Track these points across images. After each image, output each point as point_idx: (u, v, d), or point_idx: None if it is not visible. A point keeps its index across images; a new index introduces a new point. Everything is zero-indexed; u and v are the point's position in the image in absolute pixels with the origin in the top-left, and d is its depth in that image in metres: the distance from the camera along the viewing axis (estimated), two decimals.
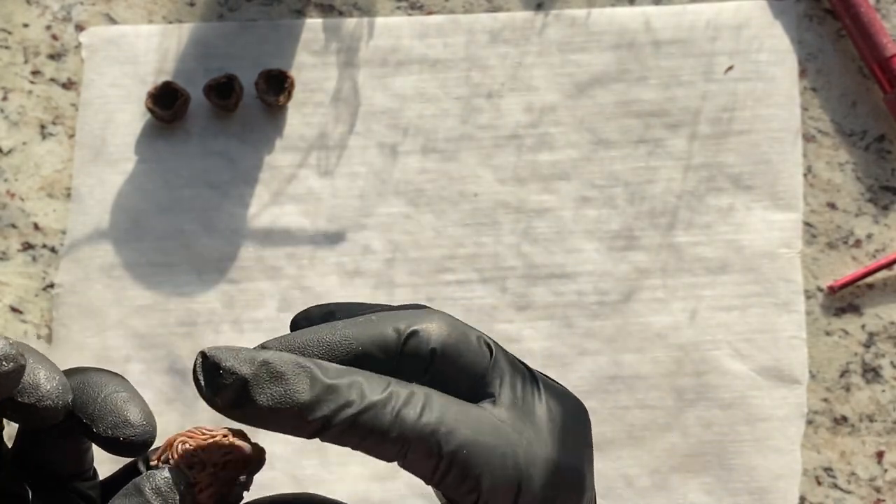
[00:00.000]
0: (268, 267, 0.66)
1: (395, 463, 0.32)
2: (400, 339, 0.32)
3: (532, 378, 0.34)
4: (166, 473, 0.31)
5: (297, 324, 0.35)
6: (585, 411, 0.35)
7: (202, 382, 0.30)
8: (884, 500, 0.62)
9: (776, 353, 0.64)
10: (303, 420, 0.30)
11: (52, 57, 0.70)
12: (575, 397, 0.35)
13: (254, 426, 0.30)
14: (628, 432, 0.63)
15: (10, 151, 0.68)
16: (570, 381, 0.64)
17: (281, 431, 0.30)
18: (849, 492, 0.63)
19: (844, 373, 0.64)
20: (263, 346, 0.32)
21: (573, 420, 0.34)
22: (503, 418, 0.32)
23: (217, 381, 0.30)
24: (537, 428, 0.33)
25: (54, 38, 0.70)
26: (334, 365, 0.31)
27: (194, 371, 0.30)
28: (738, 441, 0.63)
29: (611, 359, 0.64)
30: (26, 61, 0.70)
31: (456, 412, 0.31)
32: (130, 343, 0.65)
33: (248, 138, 0.68)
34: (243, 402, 0.30)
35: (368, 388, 0.31)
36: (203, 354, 0.30)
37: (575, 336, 0.65)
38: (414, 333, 0.32)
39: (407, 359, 0.32)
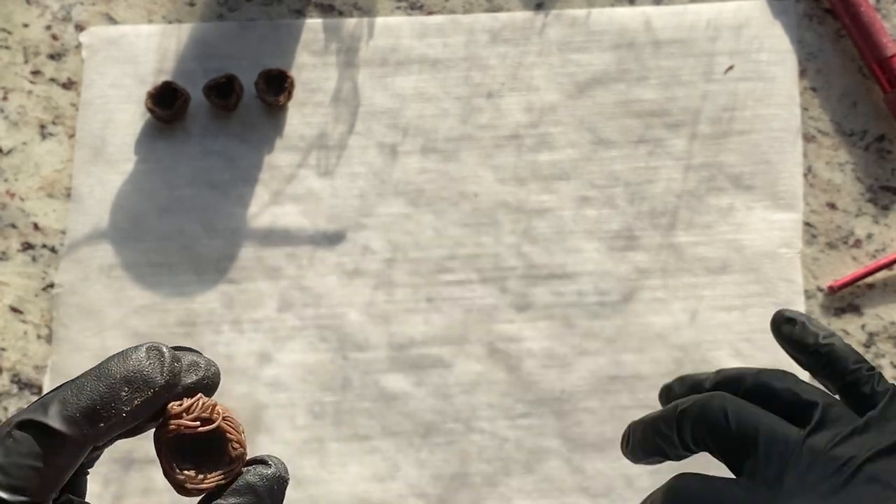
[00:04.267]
0: (268, 267, 0.66)
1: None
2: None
3: None
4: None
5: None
6: None
7: None
8: None
9: (776, 353, 0.64)
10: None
11: (52, 57, 0.70)
12: None
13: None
14: None
15: (10, 151, 0.68)
16: (571, 381, 0.64)
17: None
18: None
19: None
20: None
21: None
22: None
23: None
24: None
25: (54, 38, 0.70)
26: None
27: None
28: None
29: (611, 359, 0.64)
30: (26, 61, 0.70)
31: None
32: (130, 343, 0.65)
33: (248, 138, 0.68)
34: None
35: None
36: None
37: (575, 336, 0.65)
38: None
39: None
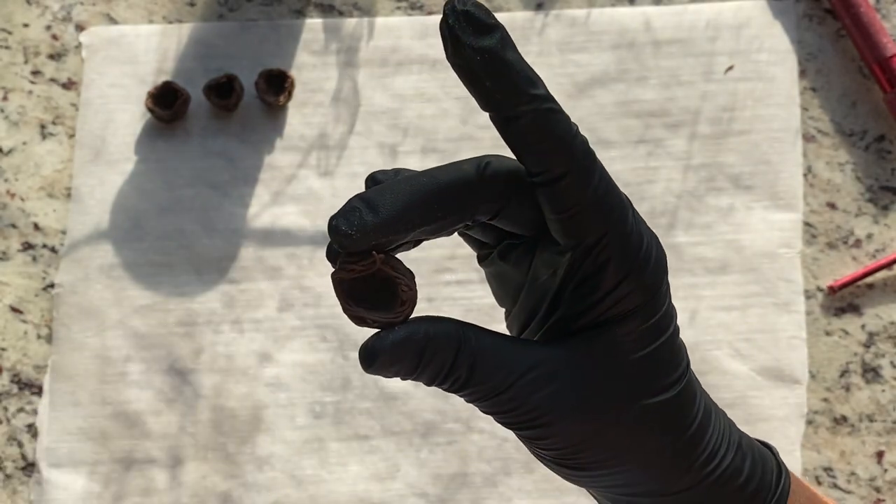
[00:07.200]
0: (268, 267, 0.66)
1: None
2: (479, 168, 0.34)
3: None
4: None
5: (374, 178, 0.37)
6: None
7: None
8: (884, 500, 0.62)
9: (776, 353, 0.64)
10: (522, 90, 0.32)
11: (52, 57, 0.70)
12: None
13: (469, 74, 0.31)
14: None
15: (10, 151, 0.69)
16: None
17: (483, 91, 0.32)
18: (849, 492, 0.63)
19: (844, 373, 0.64)
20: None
21: None
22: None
23: (481, 21, 0.31)
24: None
25: (54, 38, 0.70)
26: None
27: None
28: None
29: None
30: (26, 61, 0.70)
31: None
32: (130, 343, 0.65)
33: (248, 138, 0.68)
34: (491, 46, 0.31)
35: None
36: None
37: None
38: (489, 164, 0.34)
39: (486, 184, 0.34)
